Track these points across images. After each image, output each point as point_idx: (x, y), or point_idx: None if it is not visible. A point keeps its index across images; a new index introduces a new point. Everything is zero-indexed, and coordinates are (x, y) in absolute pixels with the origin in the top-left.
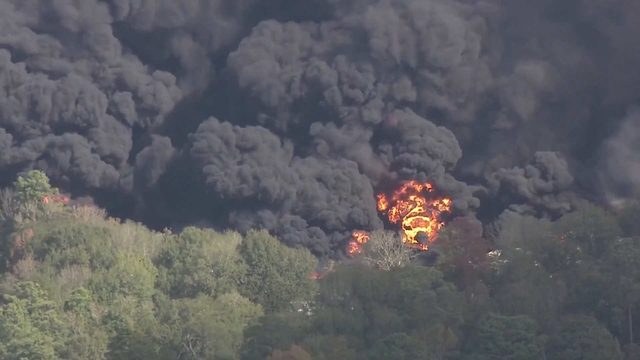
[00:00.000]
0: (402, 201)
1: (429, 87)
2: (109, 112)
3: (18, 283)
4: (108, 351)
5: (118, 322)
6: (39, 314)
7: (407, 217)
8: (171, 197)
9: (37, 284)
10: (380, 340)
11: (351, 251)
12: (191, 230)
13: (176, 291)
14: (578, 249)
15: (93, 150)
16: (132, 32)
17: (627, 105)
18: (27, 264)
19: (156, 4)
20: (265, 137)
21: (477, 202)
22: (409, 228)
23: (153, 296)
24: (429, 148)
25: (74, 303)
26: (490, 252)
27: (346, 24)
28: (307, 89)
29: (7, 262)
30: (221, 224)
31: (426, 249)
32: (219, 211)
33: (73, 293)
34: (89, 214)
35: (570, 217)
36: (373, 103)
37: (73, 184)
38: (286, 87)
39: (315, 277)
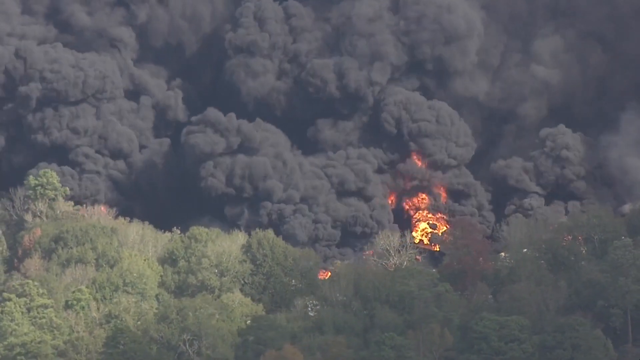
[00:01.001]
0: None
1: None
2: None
3: (17, 282)
4: (102, 350)
5: (118, 322)
6: (38, 312)
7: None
8: (178, 196)
9: (36, 283)
10: (371, 340)
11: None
12: (197, 230)
13: (180, 291)
14: (583, 251)
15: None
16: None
17: (627, 101)
18: (33, 263)
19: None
20: (266, 133)
21: (486, 206)
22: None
23: (157, 295)
24: (435, 155)
25: (74, 302)
26: (502, 253)
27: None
28: (308, 94)
29: (15, 260)
30: (227, 221)
31: (438, 249)
32: (223, 208)
33: (73, 292)
34: (99, 213)
35: (575, 218)
36: (377, 105)
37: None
38: (288, 97)
39: (325, 276)
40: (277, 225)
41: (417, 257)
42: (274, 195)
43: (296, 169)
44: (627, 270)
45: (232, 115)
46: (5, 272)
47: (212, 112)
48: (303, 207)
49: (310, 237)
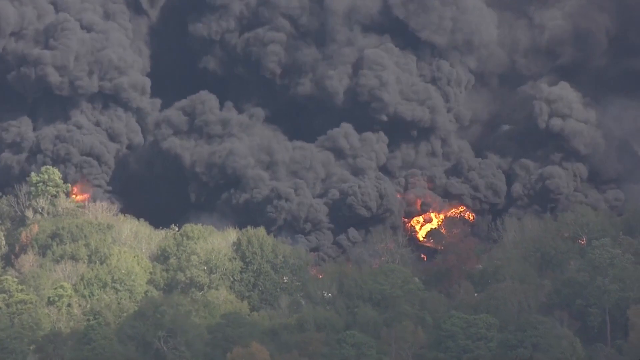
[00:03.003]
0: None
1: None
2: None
3: None
4: (75, 346)
5: (100, 319)
6: (17, 308)
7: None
8: (175, 192)
9: (14, 279)
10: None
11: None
12: (189, 227)
13: (170, 288)
14: (571, 252)
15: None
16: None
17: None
18: (27, 259)
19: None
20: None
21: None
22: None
23: (145, 292)
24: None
25: (56, 298)
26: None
27: None
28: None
29: (13, 256)
30: (226, 217)
31: (442, 247)
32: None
33: (55, 288)
34: (100, 210)
35: (563, 218)
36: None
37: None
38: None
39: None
40: (268, 222)
41: (422, 255)
42: (262, 187)
43: (285, 159)
44: (605, 269)
45: (230, 105)
46: (3, 268)
47: (191, 102)
48: (292, 195)
49: (301, 228)
